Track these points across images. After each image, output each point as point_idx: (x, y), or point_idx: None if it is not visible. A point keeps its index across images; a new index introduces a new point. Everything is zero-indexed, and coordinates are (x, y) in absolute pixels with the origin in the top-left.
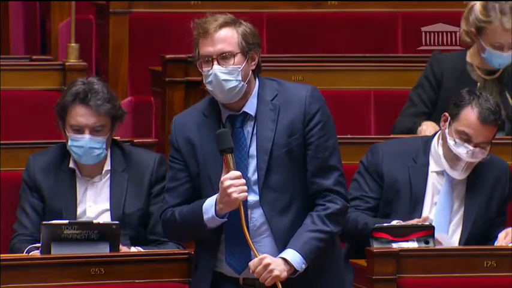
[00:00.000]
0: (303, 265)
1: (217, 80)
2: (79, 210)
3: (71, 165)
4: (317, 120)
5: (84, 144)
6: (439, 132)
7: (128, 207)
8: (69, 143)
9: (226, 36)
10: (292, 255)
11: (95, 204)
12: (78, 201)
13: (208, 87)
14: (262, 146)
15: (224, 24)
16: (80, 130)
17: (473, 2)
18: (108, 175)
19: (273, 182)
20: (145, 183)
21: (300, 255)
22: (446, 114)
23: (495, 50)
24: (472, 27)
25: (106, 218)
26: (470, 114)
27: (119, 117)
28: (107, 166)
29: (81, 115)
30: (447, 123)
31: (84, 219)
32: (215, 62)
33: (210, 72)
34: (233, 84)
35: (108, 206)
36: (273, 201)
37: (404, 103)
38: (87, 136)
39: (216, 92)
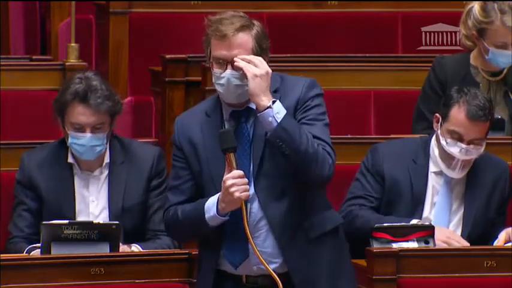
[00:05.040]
0: (275, 117)
1: (229, 85)
2: (80, 206)
3: (70, 160)
4: (310, 102)
5: (86, 142)
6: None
7: (127, 201)
8: (70, 140)
9: (242, 42)
10: (279, 107)
11: (97, 199)
12: (76, 196)
13: (218, 88)
14: (258, 133)
15: (241, 28)
16: (80, 128)
17: (469, 5)
18: (108, 168)
19: (267, 169)
20: (145, 176)
21: (283, 114)
22: (438, 115)
23: (499, 49)
24: (472, 31)
25: (106, 214)
26: (458, 113)
27: (118, 111)
28: (107, 159)
29: (81, 114)
30: (439, 124)
31: (85, 216)
32: (229, 67)
33: (222, 75)
34: (244, 89)
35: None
36: (268, 188)
37: (404, 103)
38: (88, 135)
39: (226, 95)
